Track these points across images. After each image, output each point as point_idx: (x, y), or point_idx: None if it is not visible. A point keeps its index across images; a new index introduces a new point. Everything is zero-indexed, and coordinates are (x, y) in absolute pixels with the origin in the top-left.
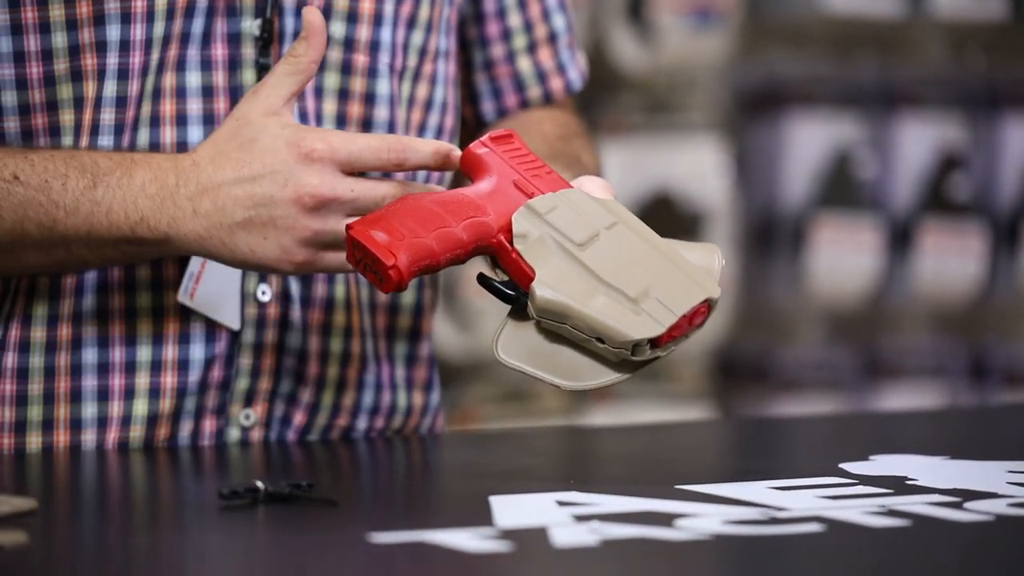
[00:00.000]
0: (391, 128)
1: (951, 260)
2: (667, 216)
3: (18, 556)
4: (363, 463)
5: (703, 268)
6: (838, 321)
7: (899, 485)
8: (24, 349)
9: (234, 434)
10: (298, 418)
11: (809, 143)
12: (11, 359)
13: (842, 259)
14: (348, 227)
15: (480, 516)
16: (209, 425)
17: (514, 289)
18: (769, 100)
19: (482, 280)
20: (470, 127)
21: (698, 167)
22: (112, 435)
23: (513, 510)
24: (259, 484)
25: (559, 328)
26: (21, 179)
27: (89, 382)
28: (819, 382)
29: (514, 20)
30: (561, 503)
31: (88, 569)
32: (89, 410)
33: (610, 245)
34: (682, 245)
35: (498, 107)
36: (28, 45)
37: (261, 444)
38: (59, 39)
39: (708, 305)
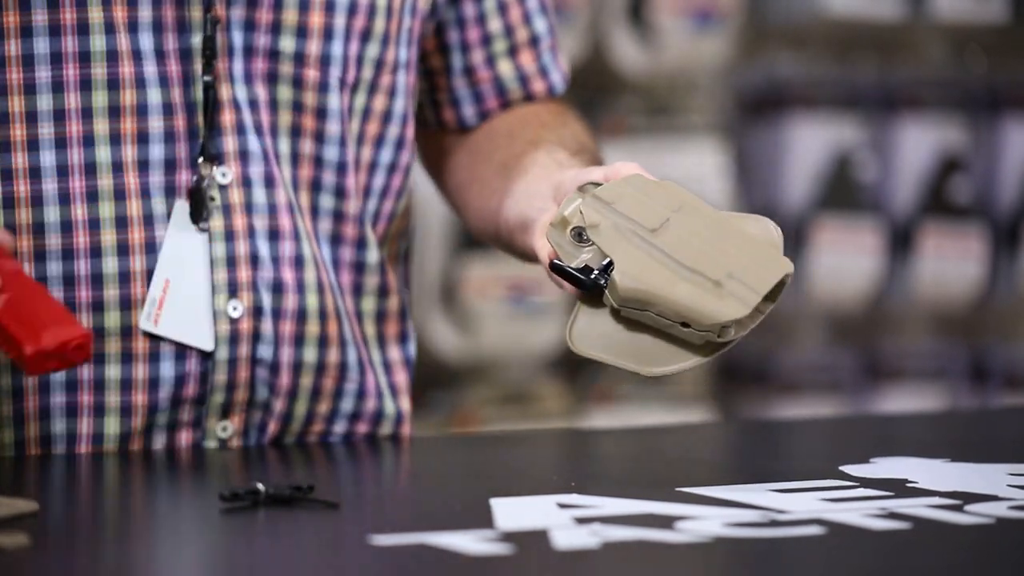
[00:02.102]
0: (343, 141)
1: (951, 262)
2: None
3: (19, 558)
4: (363, 465)
5: (769, 242)
6: (839, 323)
7: (900, 488)
8: None
9: (212, 446)
10: (272, 427)
11: (809, 145)
12: None
13: (842, 261)
14: None
15: (481, 518)
16: (185, 438)
17: (589, 275)
18: (770, 102)
19: (555, 267)
20: (451, 131)
21: (699, 169)
22: (83, 451)
23: (514, 512)
24: (260, 486)
25: (640, 315)
26: None
27: (58, 399)
28: (819, 384)
29: (494, 25)
30: (562, 505)
31: (89, 571)
32: (58, 426)
33: (682, 228)
34: (741, 219)
35: (479, 111)
36: None
37: (261, 447)
38: None
39: (783, 281)
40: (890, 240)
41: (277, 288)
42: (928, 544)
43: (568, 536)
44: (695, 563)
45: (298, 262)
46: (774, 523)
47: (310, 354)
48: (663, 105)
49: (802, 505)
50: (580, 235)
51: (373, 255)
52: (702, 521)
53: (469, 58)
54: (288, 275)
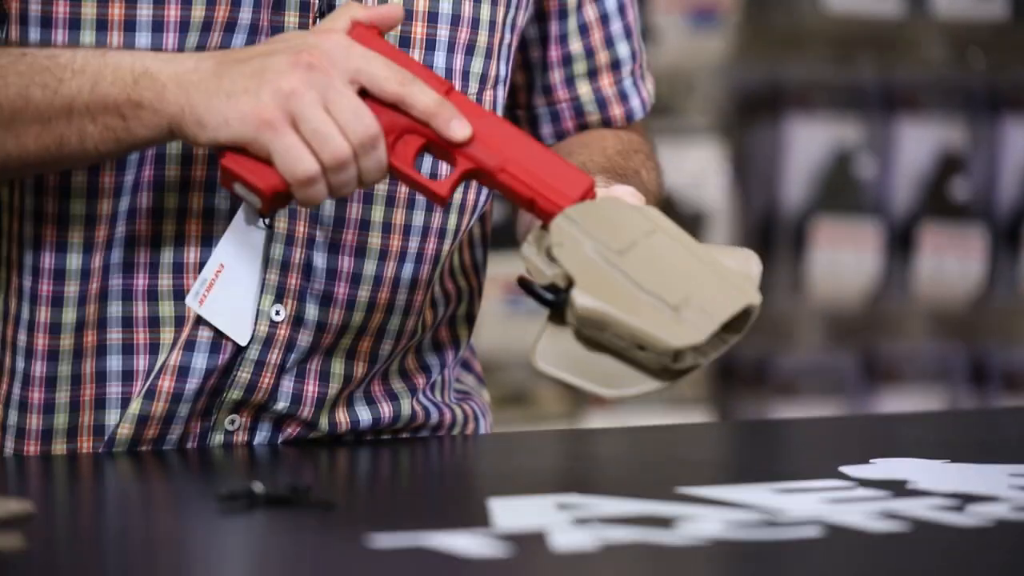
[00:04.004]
0: None
1: (951, 262)
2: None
3: (15, 560)
4: (361, 465)
5: (743, 274)
6: (838, 324)
7: (899, 489)
8: (53, 358)
9: (217, 438)
10: (289, 430)
11: (809, 145)
12: (40, 367)
13: (842, 261)
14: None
15: (479, 519)
16: (195, 427)
17: (555, 293)
18: (769, 102)
19: (522, 283)
20: None
21: (698, 169)
22: (124, 432)
23: (512, 513)
24: (257, 486)
25: (599, 336)
26: (29, 52)
27: (113, 389)
28: (819, 385)
29: (575, 46)
30: (561, 506)
31: (86, 572)
32: (112, 417)
33: (649, 253)
34: (719, 251)
35: (556, 130)
36: (56, 39)
37: (257, 447)
38: (87, 37)
39: (748, 312)
40: (890, 240)
41: (325, 301)
42: (928, 545)
43: (567, 537)
44: (694, 564)
45: (355, 279)
46: (773, 524)
47: (338, 366)
48: (662, 105)
49: (801, 506)
50: (550, 252)
51: (462, 281)
52: (701, 522)
53: (549, 77)
54: (341, 290)
